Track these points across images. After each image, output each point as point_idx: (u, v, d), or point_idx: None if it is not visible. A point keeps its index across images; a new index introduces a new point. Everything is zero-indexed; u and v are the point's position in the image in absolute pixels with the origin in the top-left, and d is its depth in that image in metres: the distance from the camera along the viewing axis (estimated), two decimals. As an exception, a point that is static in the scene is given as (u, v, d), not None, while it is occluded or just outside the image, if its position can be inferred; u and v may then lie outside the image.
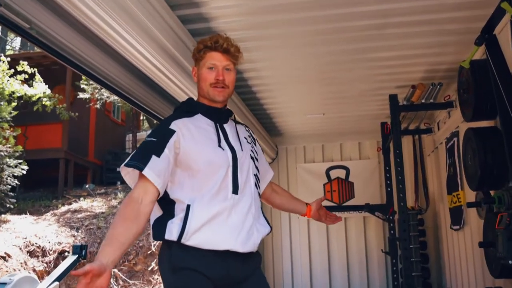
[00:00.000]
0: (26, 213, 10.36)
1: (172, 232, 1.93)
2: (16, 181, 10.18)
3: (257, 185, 2.19)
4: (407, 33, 3.39)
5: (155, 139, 1.97)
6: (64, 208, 10.75)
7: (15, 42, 25.44)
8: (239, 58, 2.19)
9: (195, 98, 2.25)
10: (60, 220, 9.89)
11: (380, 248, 6.10)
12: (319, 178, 6.52)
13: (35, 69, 11.03)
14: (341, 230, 6.36)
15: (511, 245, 2.63)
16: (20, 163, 10.18)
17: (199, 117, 2.12)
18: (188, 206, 1.94)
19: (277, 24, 3.24)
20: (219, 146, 2.06)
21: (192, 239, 1.92)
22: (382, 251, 5.88)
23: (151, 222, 2.02)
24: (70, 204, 11.19)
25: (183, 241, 1.91)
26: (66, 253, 8.12)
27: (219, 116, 2.16)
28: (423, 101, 4.33)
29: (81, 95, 12.17)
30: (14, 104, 10.82)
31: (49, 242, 8.59)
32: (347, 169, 6.50)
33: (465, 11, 3.06)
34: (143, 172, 1.86)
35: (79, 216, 10.10)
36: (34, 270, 7.72)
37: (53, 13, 2.14)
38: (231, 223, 1.99)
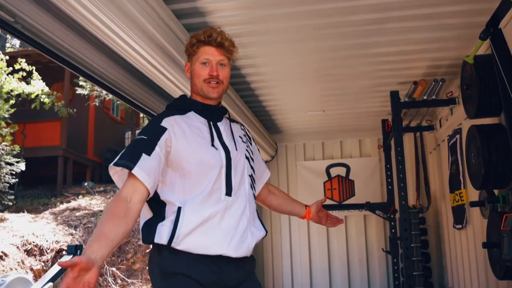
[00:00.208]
0: (24, 211, 10.28)
1: (162, 235, 1.84)
2: (14, 179, 10.10)
3: (252, 186, 2.09)
4: (408, 27, 3.30)
5: (145, 137, 1.87)
6: (62, 206, 10.67)
7: (15, 40, 25.35)
8: (234, 52, 2.10)
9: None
10: (58, 218, 9.81)
11: (381, 247, 6.03)
12: (319, 176, 6.45)
13: (33, 67, 10.95)
14: (342, 229, 6.28)
15: (517, 247, 2.55)
16: (18, 161, 10.11)
17: (191, 115, 2.03)
18: (179, 209, 1.85)
19: (275, 19, 3.15)
20: (212, 145, 1.96)
21: (183, 243, 1.83)
22: (382, 250, 5.80)
23: (141, 224, 1.93)
24: (69, 202, 11.11)
25: (173, 245, 1.82)
26: (64, 252, 8.04)
27: (212, 114, 2.06)
28: (425, 97, 4.24)
29: (80, 91, 12.06)
30: (12, 102, 10.74)
31: (47, 241, 8.52)
32: (347, 167, 6.42)
33: (468, 5, 2.98)
34: (133, 171, 1.77)
35: (77, 214, 10.02)
36: (31, 269, 7.65)
37: (40, 6, 2.05)
38: (224, 227, 1.89)
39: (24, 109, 11.79)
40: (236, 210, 1.94)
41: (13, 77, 10.53)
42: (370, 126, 5.94)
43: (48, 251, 8.26)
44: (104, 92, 11.86)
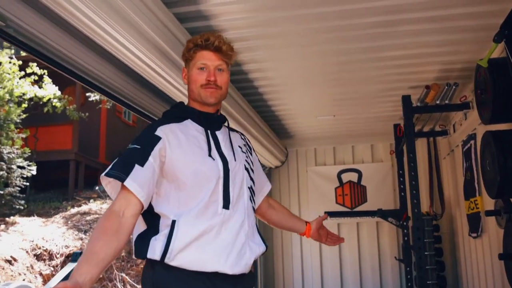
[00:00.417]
0: (35, 215, 10.29)
1: (155, 250, 1.75)
2: (24, 183, 10.12)
3: (251, 199, 2.00)
4: (420, 30, 3.19)
5: (138, 147, 1.79)
6: (73, 210, 10.67)
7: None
8: (232, 57, 2.01)
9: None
10: (69, 222, 9.80)
11: (394, 254, 5.90)
12: (330, 181, 6.34)
13: (45, 71, 10.98)
14: (354, 236, 6.17)
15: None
16: (29, 165, 10.13)
17: (188, 123, 1.94)
18: (174, 222, 1.76)
19: (282, 22, 3.05)
20: (209, 155, 1.87)
21: (176, 259, 1.74)
22: (395, 259, 5.67)
23: (134, 237, 1.84)
24: (80, 206, 11.11)
25: (166, 260, 1.73)
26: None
27: (210, 122, 1.97)
28: (437, 102, 4.12)
29: (92, 98, 12.09)
30: (24, 105, 10.78)
31: (56, 246, 8.50)
32: (359, 173, 6.30)
33: (482, 6, 2.86)
34: (125, 183, 1.69)
35: (87, 218, 10.01)
36: (40, 274, 7.62)
37: (33, 9, 1.97)
38: (220, 242, 1.80)
39: (37, 113, 11.83)
40: (234, 224, 1.85)
41: (25, 81, 10.56)
42: (382, 130, 5.82)
43: (58, 255, 8.24)
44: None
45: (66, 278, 3.77)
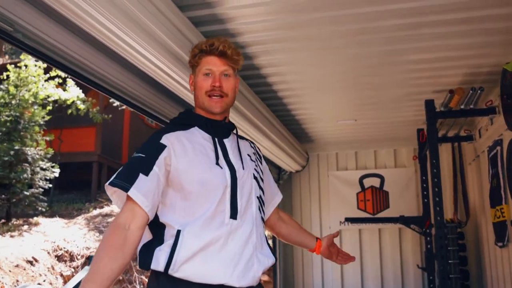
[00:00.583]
0: (58, 216, 10.39)
1: (159, 261, 1.70)
2: (48, 184, 10.23)
3: (260, 209, 1.92)
4: (444, 33, 3.08)
5: (143, 155, 1.74)
6: (95, 212, 10.74)
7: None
8: (239, 62, 1.94)
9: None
10: (90, 224, 9.86)
11: (416, 262, 5.75)
12: (352, 186, 6.23)
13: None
14: (375, 242, 6.05)
15: None
16: (52, 166, 10.23)
17: (195, 131, 1.88)
18: (178, 232, 1.70)
19: (301, 25, 2.97)
20: (217, 163, 1.81)
21: (181, 271, 1.67)
22: (418, 267, 5.53)
23: (139, 247, 1.78)
24: (102, 207, 11.18)
25: (170, 272, 1.67)
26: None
27: (218, 129, 1.91)
28: (462, 107, 3.98)
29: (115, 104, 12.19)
30: (49, 108, 10.91)
31: (77, 247, 8.56)
32: (381, 178, 6.18)
33: (509, 8, 2.74)
34: (129, 193, 1.65)
35: (109, 220, 10.06)
36: (61, 275, 7.68)
37: (43, 13, 1.94)
38: (227, 253, 1.73)
39: (61, 115, 11.96)
40: (241, 235, 1.78)
41: (50, 84, 10.69)
42: (406, 135, 5.69)
43: (79, 257, 8.29)
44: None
45: (79, 284, 3.76)
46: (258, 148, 2.17)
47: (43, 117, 10.41)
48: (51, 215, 10.46)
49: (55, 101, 11.04)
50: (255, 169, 1.97)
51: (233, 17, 2.85)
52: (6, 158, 9.24)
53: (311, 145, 6.34)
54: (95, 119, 11.70)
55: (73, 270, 7.93)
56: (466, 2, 2.68)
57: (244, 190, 1.84)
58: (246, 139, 2.12)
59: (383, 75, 3.84)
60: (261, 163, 2.09)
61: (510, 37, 3.07)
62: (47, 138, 10.58)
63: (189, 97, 3.00)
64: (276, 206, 2.23)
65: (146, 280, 8.59)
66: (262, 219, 1.95)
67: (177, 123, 1.92)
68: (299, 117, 5.08)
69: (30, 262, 7.29)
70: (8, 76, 10.32)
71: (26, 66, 10.33)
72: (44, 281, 7.06)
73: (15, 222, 9.45)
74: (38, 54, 1.99)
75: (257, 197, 1.91)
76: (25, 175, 9.45)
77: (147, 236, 1.78)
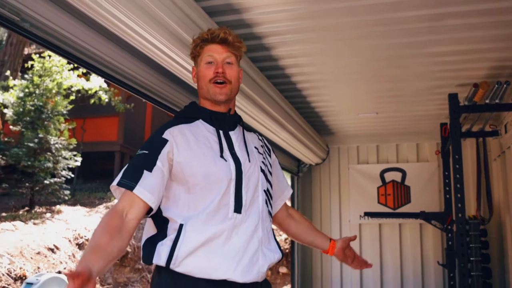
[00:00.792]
0: (80, 205, 10.51)
1: (160, 256, 1.67)
2: (70, 174, 10.34)
3: (267, 202, 1.88)
4: (469, 24, 2.97)
5: (146, 152, 1.73)
6: (116, 201, 10.79)
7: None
8: (241, 49, 1.91)
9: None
10: (112, 213, 9.93)
11: (437, 258, 5.66)
12: (372, 180, 6.14)
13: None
14: (395, 237, 5.97)
15: None
16: (75, 155, 10.34)
17: (199, 124, 1.85)
18: (181, 226, 1.67)
19: (321, 15, 2.89)
20: (221, 156, 1.77)
21: (183, 265, 1.64)
22: (438, 264, 5.43)
23: (142, 241, 1.77)
24: (123, 197, 11.23)
25: (172, 266, 1.65)
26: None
27: (223, 121, 1.87)
28: (487, 101, 3.86)
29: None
30: (72, 97, 11.01)
31: (98, 236, 8.63)
32: (403, 172, 6.08)
33: (538, -2, 2.62)
34: (135, 191, 1.63)
35: (130, 210, 10.11)
36: (82, 264, 7.75)
37: (50, 1, 1.89)
38: (230, 248, 1.69)
39: (84, 105, 12.05)
40: (246, 229, 1.74)
41: (73, 74, 10.78)
42: (429, 129, 5.58)
43: (99, 246, 8.37)
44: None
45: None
46: (266, 140, 2.13)
47: (66, 107, 10.51)
48: (74, 204, 10.58)
49: (78, 91, 11.13)
50: (262, 161, 1.93)
51: (250, 6, 2.78)
52: (31, 145, 9.37)
53: (331, 138, 6.26)
54: (118, 109, 11.76)
55: (93, 258, 8.01)
56: (491, -8, 2.58)
57: (250, 183, 1.81)
58: (254, 131, 2.08)
59: (403, 67, 3.74)
60: (269, 156, 2.05)
61: (538, 29, 2.95)
62: (70, 127, 10.68)
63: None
64: (285, 201, 2.19)
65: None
66: (270, 213, 1.90)
67: (181, 117, 1.89)
68: (319, 109, 5.00)
69: (52, 250, 7.38)
70: (32, 66, 10.43)
71: (50, 56, 10.42)
72: (65, 268, 7.15)
73: (38, 210, 9.59)
74: (47, 44, 1.96)
75: (264, 190, 1.88)
76: (48, 164, 9.57)
77: (151, 230, 1.76)
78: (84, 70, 10.89)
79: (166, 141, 1.74)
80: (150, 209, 1.69)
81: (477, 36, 3.14)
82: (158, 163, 1.69)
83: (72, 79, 10.69)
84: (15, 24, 1.76)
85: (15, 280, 6.17)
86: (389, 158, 6.19)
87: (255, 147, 1.96)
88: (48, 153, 9.67)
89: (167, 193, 1.74)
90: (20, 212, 9.37)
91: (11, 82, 10.25)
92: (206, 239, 1.66)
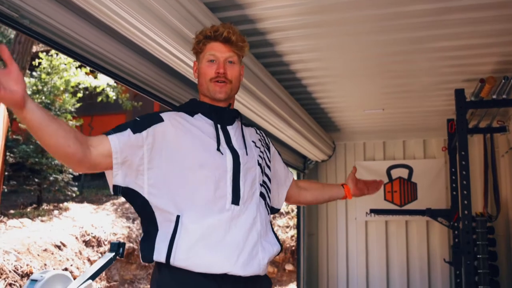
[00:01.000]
0: (87, 202, 10.55)
1: (160, 251, 1.65)
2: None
3: (265, 196, 1.88)
4: (475, 18, 2.93)
5: (138, 119, 1.72)
6: (123, 199, 10.84)
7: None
8: (244, 49, 1.89)
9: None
10: (118, 210, 9.97)
11: (444, 256, 5.63)
12: (379, 177, 5.92)
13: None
14: (402, 234, 5.94)
15: None
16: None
17: (198, 117, 1.85)
18: (178, 218, 1.65)
19: (325, 10, 2.86)
20: (218, 149, 1.76)
21: (182, 260, 1.62)
22: (444, 261, 5.39)
23: (140, 240, 1.75)
24: (131, 194, 11.28)
25: (172, 261, 1.62)
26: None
27: (221, 116, 1.87)
28: (494, 96, 3.82)
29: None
30: (80, 95, 11.06)
31: (105, 233, 8.66)
32: (410, 169, 6.04)
33: (545, -8, 2.58)
34: (109, 136, 1.61)
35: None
36: (88, 260, 7.79)
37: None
38: (230, 240, 1.68)
39: (92, 102, 12.10)
40: (244, 221, 1.73)
41: (81, 71, 10.82)
42: (436, 125, 5.53)
43: (106, 242, 8.40)
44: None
45: (101, 270, 3.77)
46: (264, 134, 2.13)
47: (74, 104, 10.55)
48: (81, 201, 10.63)
49: (85, 88, 11.17)
50: (259, 155, 1.94)
51: (253, 2, 2.76)
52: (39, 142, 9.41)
53: (337, 135, 6.24)
54: (125, 106, 11.80)
55: (100, 255, 8.03)
56: (499, -15, 2.54)
57: (247, 175, 1.81)
58: (252, 126, 2.08)
59: (409, 62, 3.70)
60: (268, 149, 2.06)
61: (545, 23, 2.91)
62: (77, 124, 10.73)
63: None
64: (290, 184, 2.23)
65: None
66: (267, 206, 1.91)
67: (181, 110, 1.88)
68: (325, 105, 4.98)
69: (58, 247, 7.41)
70: (40, 64, 10.48)
71: (57, 54, 10.46)
72: (71, 265, 7.18)
73: (45, 207, 9.64)
74: (47, 41, 1.95)
75: (261, 183, 1.88)
76: (56, 161, 9.61)
77: (147, 227, 1.74)
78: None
79: (161, 119, 1.74)
80: (121, 189, 1.65)
81: (483, 30, 3.10)
82: (144, 133, 1.67)
83: (80, 77, 10.72)
84: (14, 21, 1.75)
85: (22, 277, 6.21)
86: (396, 154, 6.16)
87: (253, 141, 1.97)
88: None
89: (161, 184, 1.70)
90: (28, 209, 9.43)
91: (19, 80, 10.29)
92: (205, 231, 1.65)
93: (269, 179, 1.97)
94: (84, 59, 2.21)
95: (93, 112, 12.52)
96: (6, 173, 9.66)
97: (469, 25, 3.03)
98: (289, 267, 9.64)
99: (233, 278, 1.67)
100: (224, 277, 1.66)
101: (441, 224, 5.09)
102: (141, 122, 1.70)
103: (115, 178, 1.63)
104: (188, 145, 1.73)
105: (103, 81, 11.00)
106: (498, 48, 3.38)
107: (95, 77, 11.16)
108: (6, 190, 9.89)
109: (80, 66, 10.92)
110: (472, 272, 3.70)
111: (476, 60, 3.60)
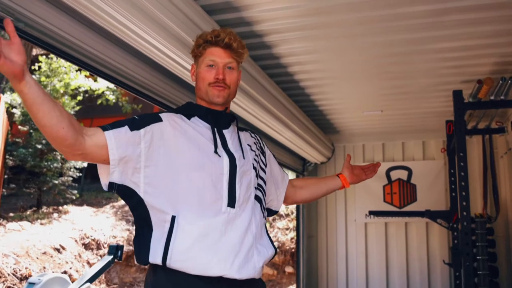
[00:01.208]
0: (87, 205, 10.55)
1: (156, 252, 1.64)
2: (78, 173, 10.38)
3: (260, 199, 1.88)
4: (473, 20, 2.94)
5: (137, 118, 1.73)
6: (123, 202, 10.87)
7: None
8: (243, 55, 1.90)
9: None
10: (118, 213, 9.98)
11: (443, 257, 5.62)
12: (378, 179, 6.10)
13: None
14: (401, 236, 5.93)
15: None
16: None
17: (195, 120, 1.85)
18: (173, 218, 1.65)
19: (322, 12, 2.87)
20: (215, 152, 1.77)
21: (178, 261, 1.62)
22: (444, 263, 5.38)
23: (134, 240, 1.74)
24: (130, 197, 11.28)
25: (168, 262, 1.61)
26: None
27: (217, 119, 1.87)
28: (492, 97, 3.81)
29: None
30: (79, 98, 11.06)
31: (104, 235, 8.66)
32: (409, 170, 6.03)
33: (541, -7, 2.58)
34: (105, 132, 1.60)
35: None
36: (88, 263, 7.78)
37: (45, 1, 1.89)
38: (226, 243, 1.67)
39: (92, 105, 12.10)
40: (240, 224, 1.73)
41: (80, 74, 10.83)
42: (435, 127, 5.54)
43: (105, 245, 8.40)
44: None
45: (99, 273, 3.77)
46: (260, 137, 2.14)
47: (74, 107, 10.55)
48: (81, 204, 10.63)
49: (85, 91, 11.18)
50: (254, 159, 1.94)
51: (250, 4, 2.76)
52: (39, 146, 9.42)
53: (337, 137, 6.24)
54: (125, 109, 11.80)
55: (99, 258, 8.03)
56: (495, -14, 2.54)
57: (243, 179, 1.81)
58: (247, 130, 2.09)
59: (407, 64, 3.71)
60: (263, 152, 2.07)
61: (542, 24, 2.90)
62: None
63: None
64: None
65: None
66: (263, 209, 1.91)
67: (179, 113, 1.89)
68: (323, 107, 4.98)
69: (58, 250, 7.40)
70: (39, 67, 10.49)
71: (57, 57, 10.48)
72: (71, 268, 7.18)
73: (45, 210, 9.63)
74: (42, 44, 1.94)
75: (256, 187, 1.88)
76: (55, 164, 9.61)
77: (141, 226, 1.73)
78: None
79: (160, 119, 1.74)
80: (113, 185, 1.65)
81: (480, 31, 3.10)
82: (142, 130, 1.67)
83: (80, 80, 10.73)
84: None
85: (21, 280, 6.20)
86: (395, 156, 6.16)
87: (248, 145, 1.97)
88: (56, 153, 9.72)
89: (157, 184, 1.69)
90: (28, 213, 9.43)
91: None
92: (201, 232, 1.65)
93: (264, 182, 1.97)
94: (81, 62, 2.20)
95: (93, 115, 12.52)
96: (5, 176, 9.66)
97: (467, 26, 3.04)
98: (288, 269, 9.63)
99: (229, 281, 1.67)
100: (220, 280, 1.65)
101: (440, 225, 5.09)
102: (139, 120, 1.71)
103: (112, 175, 1.62)
104: (186, 146, 1.73)
105: (102, 84, 11.01)
106: (496, 49, 3.38)
107: (95, 80, 11.16)
108: (5, 193, 9.89)
109: (79, 69, 10.93)
110: (471, 274, 3.69)
111: (474, 61, 3.61)
